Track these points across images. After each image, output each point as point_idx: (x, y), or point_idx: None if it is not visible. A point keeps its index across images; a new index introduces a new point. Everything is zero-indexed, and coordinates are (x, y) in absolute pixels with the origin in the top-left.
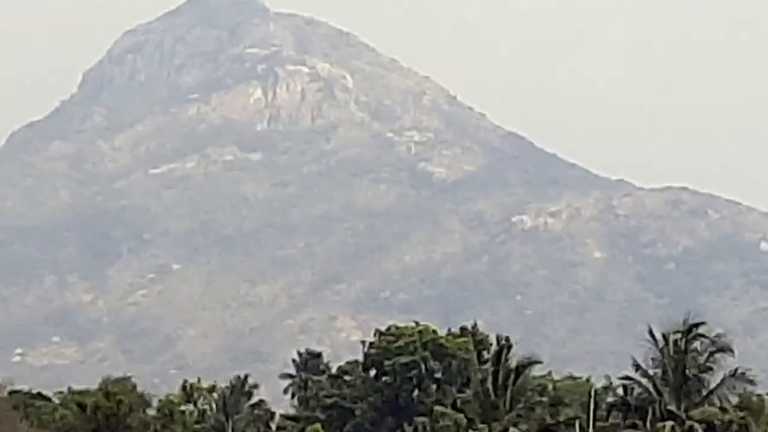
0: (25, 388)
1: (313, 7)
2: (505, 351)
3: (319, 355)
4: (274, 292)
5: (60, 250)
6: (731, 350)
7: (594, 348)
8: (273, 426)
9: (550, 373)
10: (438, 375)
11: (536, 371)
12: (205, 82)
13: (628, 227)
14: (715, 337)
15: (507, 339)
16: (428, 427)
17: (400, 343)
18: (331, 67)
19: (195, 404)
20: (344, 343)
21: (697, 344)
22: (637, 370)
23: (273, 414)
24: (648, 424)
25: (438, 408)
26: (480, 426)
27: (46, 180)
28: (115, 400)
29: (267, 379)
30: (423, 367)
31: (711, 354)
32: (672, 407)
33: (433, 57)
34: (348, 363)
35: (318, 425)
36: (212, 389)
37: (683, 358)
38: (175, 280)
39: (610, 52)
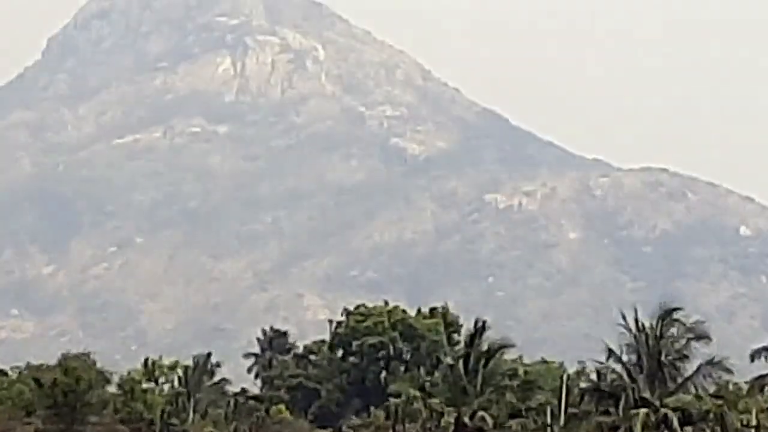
0: None
1: None
2: (479, 334)
3: (284, 334)
4: (239, 267)
5: (20, 220)
6: (708, 337)
7: (567, 332)
8: (238, 405)
9: (521, 357)
10: (407, 357)
11: (508, 355)
12: (172, 51)
13: (605, 208)
14: (692, 323)
15: (484, 322)
16: (400, 410)
17: (369, 323)
18: (302, 38)
19: (156, 382)
20: (311, 322)
21: (673, 330)
22: (610, 356)
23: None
24: (621, 411)
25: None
26: (448, 410)
27: (6, 148)
28: (73, 376)
29: (230, 357)
30: (391, 348)
31: (688, 341)
32: (646, 394)
33: (407, 30)
34: (314, 342)
35: (282, 406)
36: (174, 367)
37: (658, 345)
38: (137, 254)
39: (587, 31)
